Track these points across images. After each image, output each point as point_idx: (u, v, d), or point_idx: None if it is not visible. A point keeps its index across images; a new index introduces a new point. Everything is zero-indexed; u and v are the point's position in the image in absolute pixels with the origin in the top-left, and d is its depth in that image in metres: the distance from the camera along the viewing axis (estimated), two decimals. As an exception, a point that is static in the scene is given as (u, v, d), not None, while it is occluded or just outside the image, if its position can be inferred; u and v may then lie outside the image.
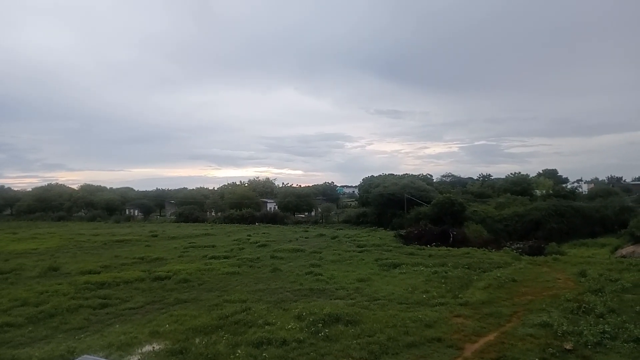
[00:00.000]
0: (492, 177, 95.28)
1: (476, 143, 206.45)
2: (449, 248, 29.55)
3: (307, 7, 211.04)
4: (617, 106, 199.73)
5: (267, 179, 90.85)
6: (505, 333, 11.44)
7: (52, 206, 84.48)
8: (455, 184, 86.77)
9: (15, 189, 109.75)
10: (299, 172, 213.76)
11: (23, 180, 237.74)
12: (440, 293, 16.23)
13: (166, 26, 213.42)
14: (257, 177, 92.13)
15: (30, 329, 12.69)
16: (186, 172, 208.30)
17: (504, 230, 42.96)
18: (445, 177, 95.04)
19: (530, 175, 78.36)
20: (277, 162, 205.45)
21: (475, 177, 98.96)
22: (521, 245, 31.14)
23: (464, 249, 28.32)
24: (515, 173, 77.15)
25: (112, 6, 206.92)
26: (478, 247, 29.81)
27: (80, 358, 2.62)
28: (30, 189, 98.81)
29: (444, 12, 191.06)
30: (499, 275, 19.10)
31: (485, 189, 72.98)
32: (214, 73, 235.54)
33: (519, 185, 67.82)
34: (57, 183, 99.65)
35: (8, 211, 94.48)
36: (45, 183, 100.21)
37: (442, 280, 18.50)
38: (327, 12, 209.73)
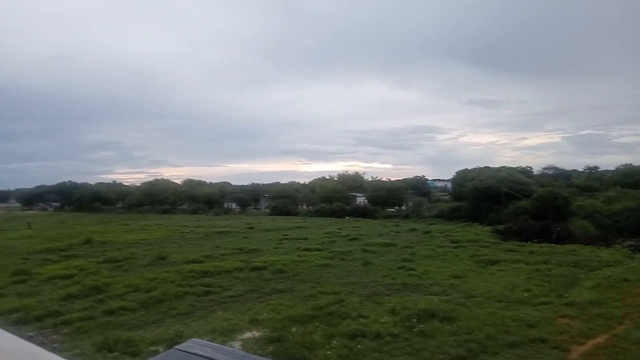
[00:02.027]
0: (600, 169, 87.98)
1: (580, 132, 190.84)
2: (552, 245, 27.88)
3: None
4: None
5: (356, 173, 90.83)
6: (616, 336, 10.65)
7: (158, 200, 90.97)
8: (558, 176, 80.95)
9: (126, 184, 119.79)
10: (388, 165, 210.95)
11: (132, 176, 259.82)
12: (543, 292, 15.43)
13: (255, 26, 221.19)
14: (347, 171, 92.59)
15: (142, 313, 13.87)
16: (278, 166, 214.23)
17: (613, 227, 39.56)
18: (546, 169, 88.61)
19: (644, 166, 71.40)
20: (365, 156, 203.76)
21: (580, 169, 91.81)
22: (634, 243, 28.64)
23: (568, 246, 26.61)
24: (626, 164, 70.77)
25: (206, 10, 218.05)
26: (585, 244, 27.86)
27: (189, 341, 2.80)
28: (139, 184, 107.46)
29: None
30: (609, 274, 17.71)
31: (592, 182, 67.63)
32: (302, 69, 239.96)
33: (631, 178, 61.96)
34: (162, 178, 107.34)
35: (120, 204, 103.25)
36: (152, 178, 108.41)
37: (545, 279, 17.57)
38: (415, 1, 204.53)
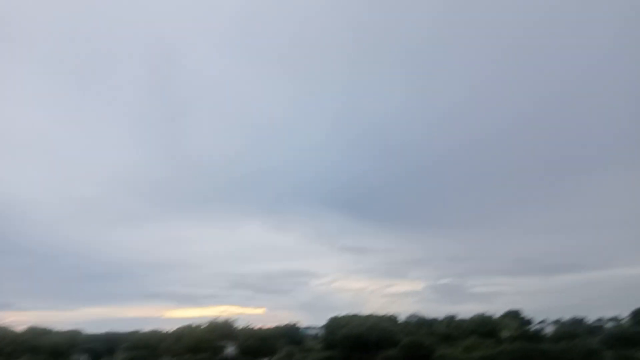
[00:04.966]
0: (458, 318, 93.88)
1: (441, 281, 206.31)
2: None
3: (272, 150, 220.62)
4: (574, 246, 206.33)
5: (226, 320, 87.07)
6: None
7: (-9, 351, 77.56)
8: (421, 324, 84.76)
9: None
10: (263, 310, 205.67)
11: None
12: None
13: (135, 163, 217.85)
14: (217, 318, 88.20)
15: None
16: (142, 312, 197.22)
17: (474, 376, 41.55)
18: (410, 317, 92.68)
19: (496, 316, 78.03)
20: (240, 299, 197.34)
21: (441, 317, 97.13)
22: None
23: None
24: (480, 313, 76.69)
25: (79, 143, 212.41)
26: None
27: None
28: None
29: (407, 146, 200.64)
30: None
31: (451, 330, 71.62)
32: (182, 210, 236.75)
33: (485, 327, 67.02)
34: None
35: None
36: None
37: None
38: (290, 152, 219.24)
